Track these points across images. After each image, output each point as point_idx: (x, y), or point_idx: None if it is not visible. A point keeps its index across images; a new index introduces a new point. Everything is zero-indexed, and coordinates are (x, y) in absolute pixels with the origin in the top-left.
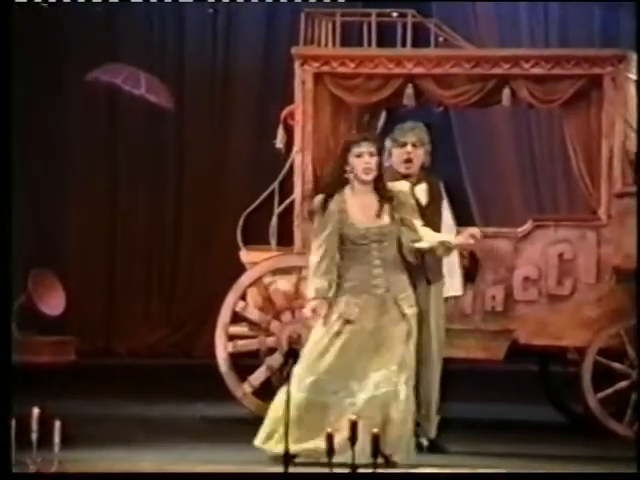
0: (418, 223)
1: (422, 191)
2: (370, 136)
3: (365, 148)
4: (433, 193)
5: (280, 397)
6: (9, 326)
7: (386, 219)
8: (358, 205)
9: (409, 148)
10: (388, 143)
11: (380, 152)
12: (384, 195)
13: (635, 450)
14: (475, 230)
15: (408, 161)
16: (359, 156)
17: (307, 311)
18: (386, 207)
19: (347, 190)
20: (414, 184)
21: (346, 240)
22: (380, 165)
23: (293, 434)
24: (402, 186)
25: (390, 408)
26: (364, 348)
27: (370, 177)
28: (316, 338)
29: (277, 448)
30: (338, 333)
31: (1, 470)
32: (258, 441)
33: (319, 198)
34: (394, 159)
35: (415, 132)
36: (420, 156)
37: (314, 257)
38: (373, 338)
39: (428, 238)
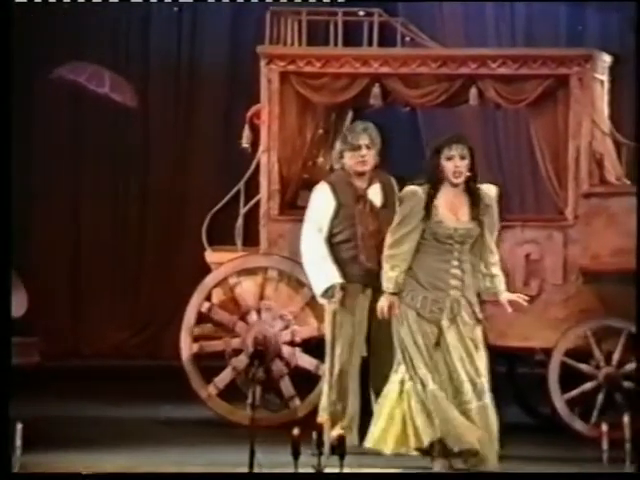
0: (496, 234)
1: (376, 192)
2: (462, 138)
3: (456, 151)
4: (386, 191)
5: (389, 393)
6: (8, 330)
7: (474, 221)
8: (449, 204)
9: (363, 151)
10: (339, 146)
11: (472, 154)
12: (475, 197)
13: (601, 451)
14: (521, 298)
15: (362, 163)
16: (450, 159)
17: (383, 306)
18: (475, 209)
19: (440, 187)
20: (368, 185)
21: (430, 236)
22: (472, 167)
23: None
24: (490, 190)
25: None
26: (447, 349)
27: (460, 180)
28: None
29: (397, 448)
30: (418, 330)
31: (1, 470)
32: (370, 443)
33: (411, 189)
34: (347, 161)
35: (367, 133)
36: (373, 156)
37: (391, 249)
38: (454, 340)
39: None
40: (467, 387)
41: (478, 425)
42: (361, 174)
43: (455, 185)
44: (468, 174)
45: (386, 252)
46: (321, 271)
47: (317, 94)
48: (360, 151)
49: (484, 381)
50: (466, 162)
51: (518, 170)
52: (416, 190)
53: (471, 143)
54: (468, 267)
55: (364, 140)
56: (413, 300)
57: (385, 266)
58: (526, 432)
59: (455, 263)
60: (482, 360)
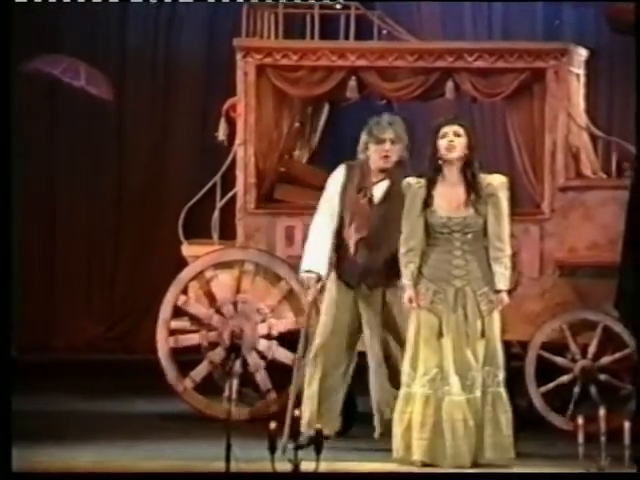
0: (505, 226)
1: (382, 187)
2: (459, 119)
3: (450, 128)
4: (392, 189)
5: (400, 398)
6: (9, 327)
7: (470, 210)
8: (444, 193)
9: (387, 146)
10: (364, 137)
11: (469, 135)
12: (472, 185)
13: (576, 444)
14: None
15: (385, 157)
16: (444, 136)
17: (405, 300)
18: (473, 198)
19: (438, 177)
20: (378, 180)
21: (429, 228)
22: (469, 147)
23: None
24: (494, 179)
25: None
26: (448, 341)
27: (453, 155)
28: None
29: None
30: (421, 323)
31: (1, 470)
32: (397, 455)
33: (407, 181)
34: (370, 153)
35: (393, 128)
36: (397, 152)
37: (403, 246)
38: (454, 332)
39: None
40: (453, 380)
41: (459, 417)
42: (383, 170)
43: (451, 164)
44: (465, 152)
45: (401, 250)
46: (310, 253)
47: (293, 87)
48: (384, 145)
49: (476, 375)
50: (462, 140)
51: (494, 164)
52: (409, 182)
53: (468, 124)
54: (473, 257)
55: (389, 134)
56: (417, 293)
57: (401, 262)
58: None
59: (457, 253)
60: (482, 352)
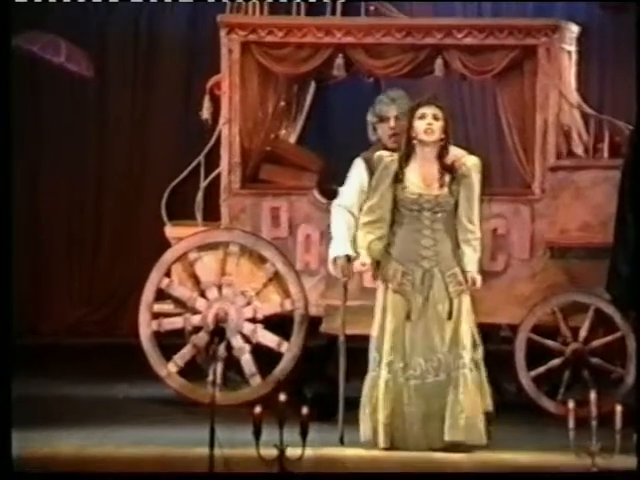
0: (476, 209)
1: None
2: (438, 100)
3: (429, 110)
4: None
5: (366, 382)
6: (9, 321)
7: (444, 189)
8: (417, 170)
9: (392, 123)
10: (369, 117)
11: (446, 119)
12: (445, 165)
13: (570, 432)
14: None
15: (394, 135)
16: (422, 117)
17: (357, 268)
18: (446, 177)
19: (412, 154)
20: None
21: (399, 204)
22: (446, 132)
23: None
24: (469, 160)
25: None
26: (414, 323)
27: (431, 138)
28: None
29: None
30: (388, 304)
31: (1, 470)
32: (364, 438)
33: (379, 154)
34: (380, 134)
35: (397, 104)
36: (404, 128)
37: (364, 217)
38: (421, 314)
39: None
40: (417, 362)
41: (422, 401)
42: (394, 147)
43: (426, 146)
44: (442, 136)
45: (360, 220)
46: (333, 243)
47: (279, 65)
48: (388, 122)
49: (442, 358)
50: (440, 124)
51: (484, 143)
52: (381, 156)
53: (447, 107)
54: (443, 237)
55: (392, 111)
56: (385, 274)
57: (359, 234)
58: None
59: (426, 232)
60: (449, 335)
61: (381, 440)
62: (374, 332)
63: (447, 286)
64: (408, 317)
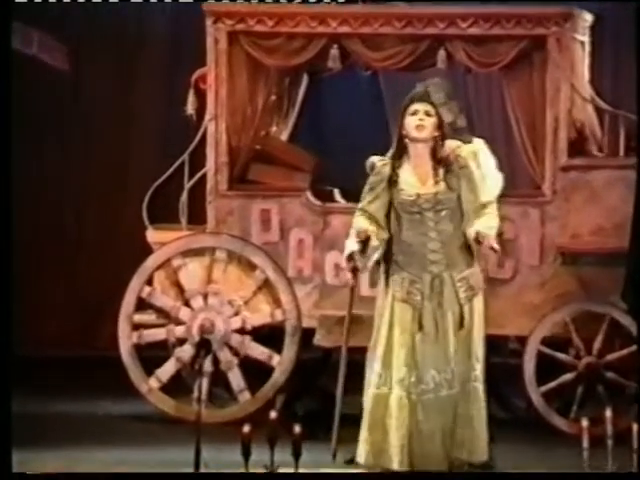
0: (484, 195)
1: None
2: (430, 96)
3: (421, 106)
4: None
5: (370, 400)
6: (10, 327)
7: (442, 185)
8: (412, 170)
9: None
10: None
11: (439, 115)
12: (439, 159)
13: (581, 449)
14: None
15: (419, 127)
16: (414, 114)
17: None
18: (441, 172)
19: (404, 155)
20: None
21: (398, 209)
22: (440, 127)
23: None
24: (463, 149)
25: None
26: (425, 334)
27: (422, 135)
28: (377, 322)
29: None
30: (395, 316)
31: (1, 470)
32: (362, 459)
33: (371, 160)
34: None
35: (434, 94)
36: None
37: (354, 221)
38: (432, 323)
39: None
40: (430, 375)
41: (437, 416)
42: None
43: (418, 142)
44: (435, 134)
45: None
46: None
47: (269, 56)
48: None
49: (456, 369)
50: (432, 120)
51: (491, 141)
52: (373, 161)
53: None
54: (451, 238)
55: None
56: (392, 284)
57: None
58: (499, 427)
59: (432, 235)
60: (462, 344)
61: (396, 462)
62: (380, 347)
63: (457, 291)
64: (420, 328)
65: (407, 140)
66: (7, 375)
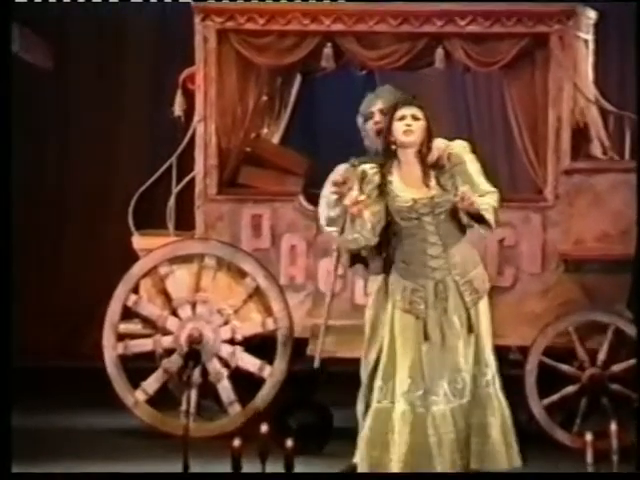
0: (481, 184)
1: None
2: (417, 100)
3: (408, 111)
4: None
5: (371, 415)
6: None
7: (436, 188)
8: (403, 176)
9: (377, 117)
10: (359, 121)
11: (428, 119)
12: (429, 162)
13: (584, 463)
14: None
15: (379, 132)
16: (401, 119)
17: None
18: (433, 175)
19: (393, 161)
20: None
21: (395, 217)
22: (428, 132)
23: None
24: (454, 147)
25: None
26: (432, 344)
27: (410, 139)
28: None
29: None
30: (397, 327)
31: (1, 470)
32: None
33: (361, 168)
34: (369, 135)
35: (381, 97)
36: None
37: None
38: (438, 332)
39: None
40: (439, 386)
41: (449, 429)
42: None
43: (406, 147)
44: (423, 137)
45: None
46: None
47: (260, 55)
48: (374, 118)
49: (467, 376)
50: (421, 123)
51: (490, 143)
52: (364, 170)
53: (427, 106)
54: (452, 241)
55: (377, 105)
56: (393, 295)
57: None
58: None
59: (433, 239)
60: (472, 350)
61: None
62: (382, 359)
63: (463, 295)
64: (426, 338)
65: (395, 146)
66: None
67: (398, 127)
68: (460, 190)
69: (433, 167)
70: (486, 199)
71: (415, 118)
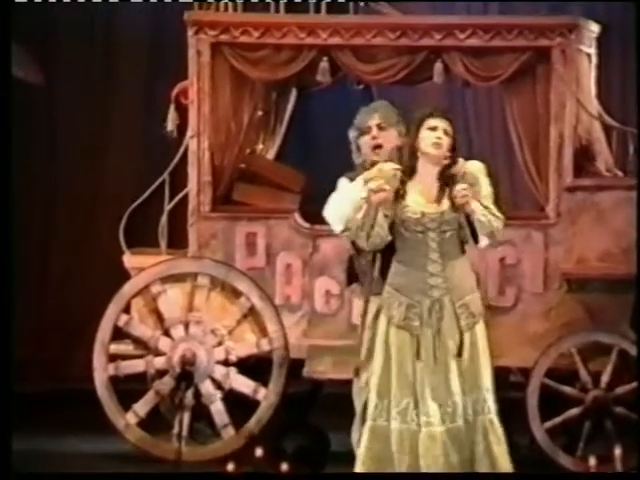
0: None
1: None
2: (449, 114)
3: (441, 123)
4: None
5: (366, 433)
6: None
7: (446, 204)
8: (418, 187)
9: (374, 132)
10: (352, 134)
11: (455, 137)
12: (446, 178)
13: None
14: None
15: (377, 147)
16: (433, 129)
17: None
18: (447, 191)
19: (415, 169)
20: None
21: (400, 226)
22: (453, 149)
23: None
24: (470, 166)
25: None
26: (424, 363)
27: (438, 152)
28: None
29: None
30: (391, 343)
31: (1, 470)
32: None
33: (379, 166)
34: (363, 150)
35: (379, 112)
36: (390, 138)
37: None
38: (430, 351)
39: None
40: (430, 407)
41: (438, 452)
42: (378, 160)
43: (431, 161)
44: (448, 154)
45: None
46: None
47: (255, 69)
48: (371, 132)
49: (458, 401)
50: (449, 140)
51: (491, 159)
52: (381, 168)
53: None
54: (453, 261)
55: (374, 120)
56: (388, 309)
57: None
58: None
59: (434, 257)
60: (467, 374)
61: None
62: (375, 376)
63: (459, 318)
64: (416, 355)
65: (419, 154)
66: None
67: (428, 137)
68: (459, 186)
69: (447, 184)
70: (488, 214)
71: (446, 133)
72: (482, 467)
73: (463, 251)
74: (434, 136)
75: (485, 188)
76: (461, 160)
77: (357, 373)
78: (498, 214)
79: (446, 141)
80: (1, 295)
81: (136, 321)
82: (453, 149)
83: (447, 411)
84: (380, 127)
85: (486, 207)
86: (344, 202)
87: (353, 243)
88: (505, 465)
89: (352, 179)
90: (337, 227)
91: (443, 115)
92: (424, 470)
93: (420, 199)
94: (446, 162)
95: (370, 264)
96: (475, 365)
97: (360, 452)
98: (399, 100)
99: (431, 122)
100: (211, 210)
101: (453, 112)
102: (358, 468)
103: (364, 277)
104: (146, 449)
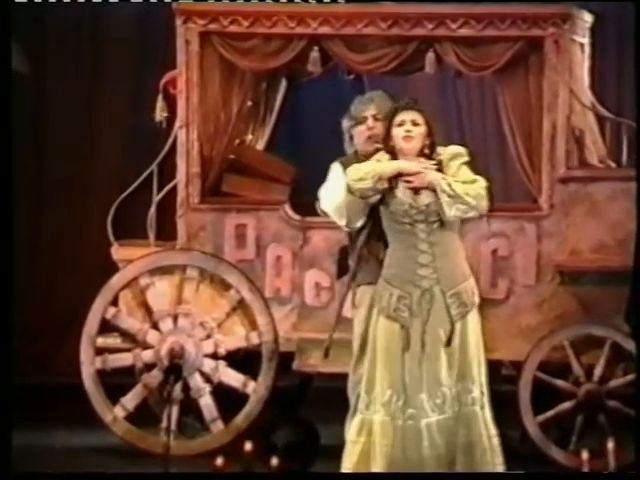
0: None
1: None
2: (415, 104)
3: (408, 116)
4: None
5: (354, 426)
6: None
7: (431, 196)
8: (403, 180)
9: (370, 122)
10: (345, 123)
11: (429, 123)
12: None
13: None
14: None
15: (370, 137)
16: (401, 124)
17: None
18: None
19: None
20: None
21: (389, 217)
22: (429, 137)
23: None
24: (445, 152)
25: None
26: (413, 354)
27: (410, 145)
28: (360, 341)
29: None
30: (380, 334)
31: (1, 470)
32: None
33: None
34: (356, 140)
35: (375, 102)
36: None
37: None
38: (419, 342)
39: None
40: (419, 398)
41: (425, 444)
42: (372, 150)
43: (406, 154)
44: (424, 142)
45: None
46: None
47: (244, 59)
48: (366, 122)
49: (447, 391)
50: (421, 129)
51: (483, 150)
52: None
53: (428, 110)
54: (443, 251)
55: (370, 110)
56: (380, 301)
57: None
58: None
59: (423, 247)
60: (457, 364)
61: None
62: (363, 368)
63: (449, 308)
64: (407, 346)
65: (395, 152)
66: None
67: (398, 133)
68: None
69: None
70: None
71: (415, 124)
72: (459, 457)
73: (454, 240)
74: (403, 130)
75: (459, 166)
76: (440, 148)
77: (326, 354)
78: (467, 199)
79: (417, 131)
80: (1, 294)
81: (124, 314)
82: (429, 135)
83: (436, 402)
84: (376, 118)
85: (452, 189)
86: (342, 193)
87: (349, 234)
88: (483, 457)
89: (345, 164)
90: (341, 222)
91: (409, 107)
92: (410, 462)
93: (406, 192)
94: (427, 152)
95: (363, 252)
96: (464, 356)
97: (347, 446)
98: (391, 90)
99: (398, 118)
100: (200, 202)
101: (445, 103)
102: (345, 461)
103: (357, 266)
104: (134, 443)
